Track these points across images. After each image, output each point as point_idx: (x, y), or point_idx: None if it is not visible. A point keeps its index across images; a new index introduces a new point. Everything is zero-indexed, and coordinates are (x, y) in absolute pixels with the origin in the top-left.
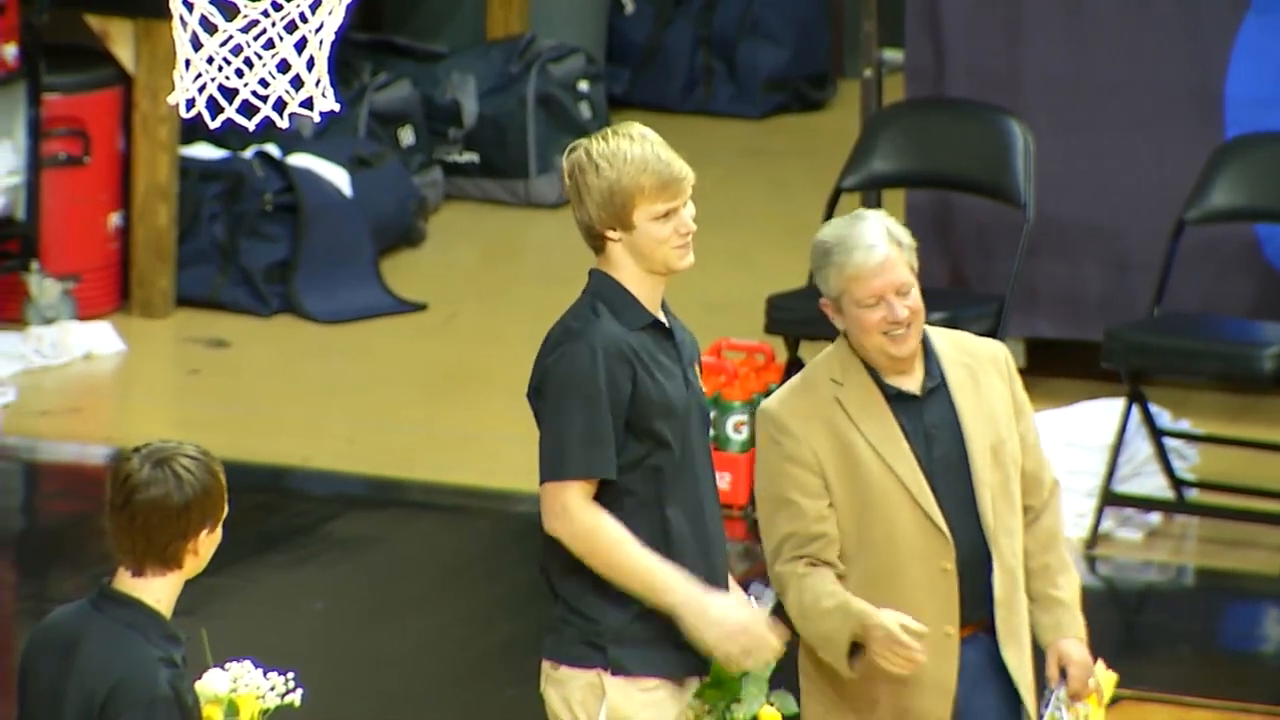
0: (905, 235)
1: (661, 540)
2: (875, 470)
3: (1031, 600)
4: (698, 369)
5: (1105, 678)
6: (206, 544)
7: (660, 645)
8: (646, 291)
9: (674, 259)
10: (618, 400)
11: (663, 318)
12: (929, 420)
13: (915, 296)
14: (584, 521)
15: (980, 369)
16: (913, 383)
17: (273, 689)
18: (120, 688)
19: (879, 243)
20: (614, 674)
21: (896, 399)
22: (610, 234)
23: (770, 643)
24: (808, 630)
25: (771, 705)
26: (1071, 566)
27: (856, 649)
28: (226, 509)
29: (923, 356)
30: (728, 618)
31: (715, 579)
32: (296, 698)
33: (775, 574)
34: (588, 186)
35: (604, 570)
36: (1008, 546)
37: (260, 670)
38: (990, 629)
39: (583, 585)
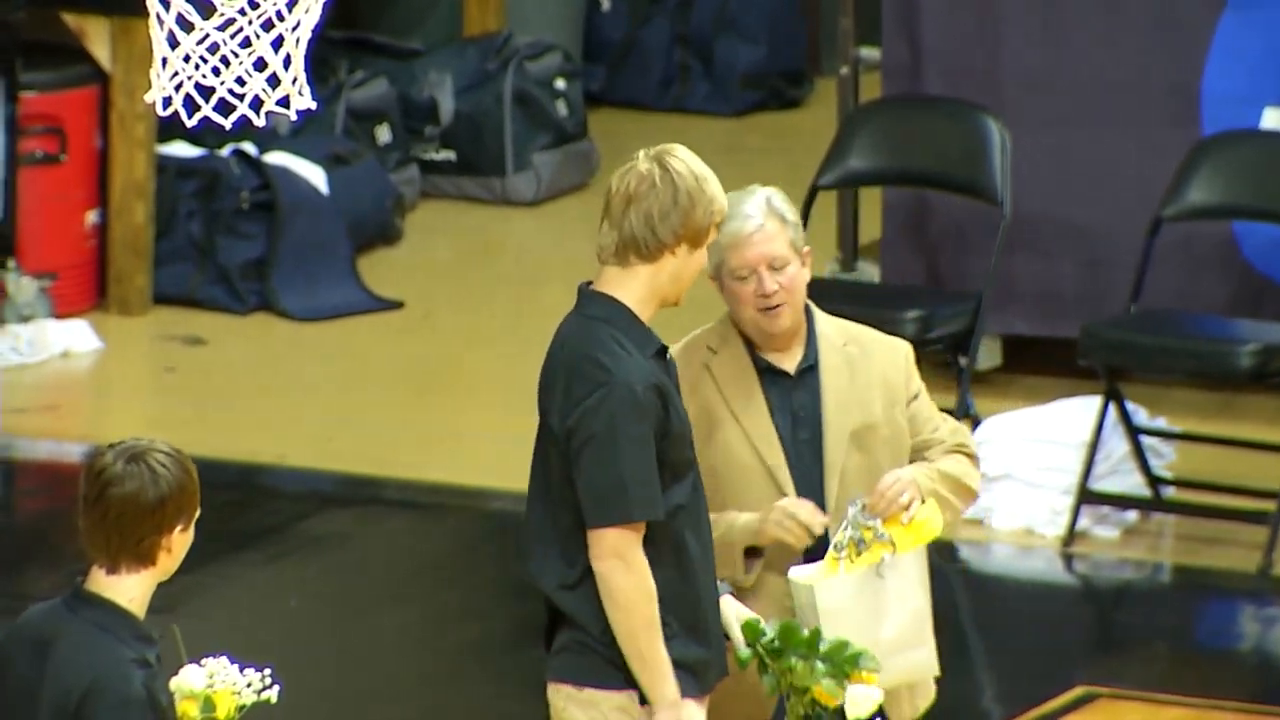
0: (790, 212)
1: (675, 566)
2: (735, 439)
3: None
4: None
5: (925, 514)
6: (180, 542)
7: (684, 668)
8: (649, 318)
9: (684, 294)
10: (656, 438)
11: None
12: (797, 401)
13: (791, 274)
14: (641, 580)
15: (864, 356)
16: (789, 361)
17: (249, 685)
18: (94, 690)
19: (755, 214)
20: (643, 702)
21: (767, 373)
22: (677, 249)
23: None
24: None
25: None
26: (960, 476)
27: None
28: (199, 508)
29: (805, 337)
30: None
31: (713, 595)
32: (273, 694)
33: None
34: (686, 194)
35: (622, 628)
36: None
37: (237, 666)
38: None
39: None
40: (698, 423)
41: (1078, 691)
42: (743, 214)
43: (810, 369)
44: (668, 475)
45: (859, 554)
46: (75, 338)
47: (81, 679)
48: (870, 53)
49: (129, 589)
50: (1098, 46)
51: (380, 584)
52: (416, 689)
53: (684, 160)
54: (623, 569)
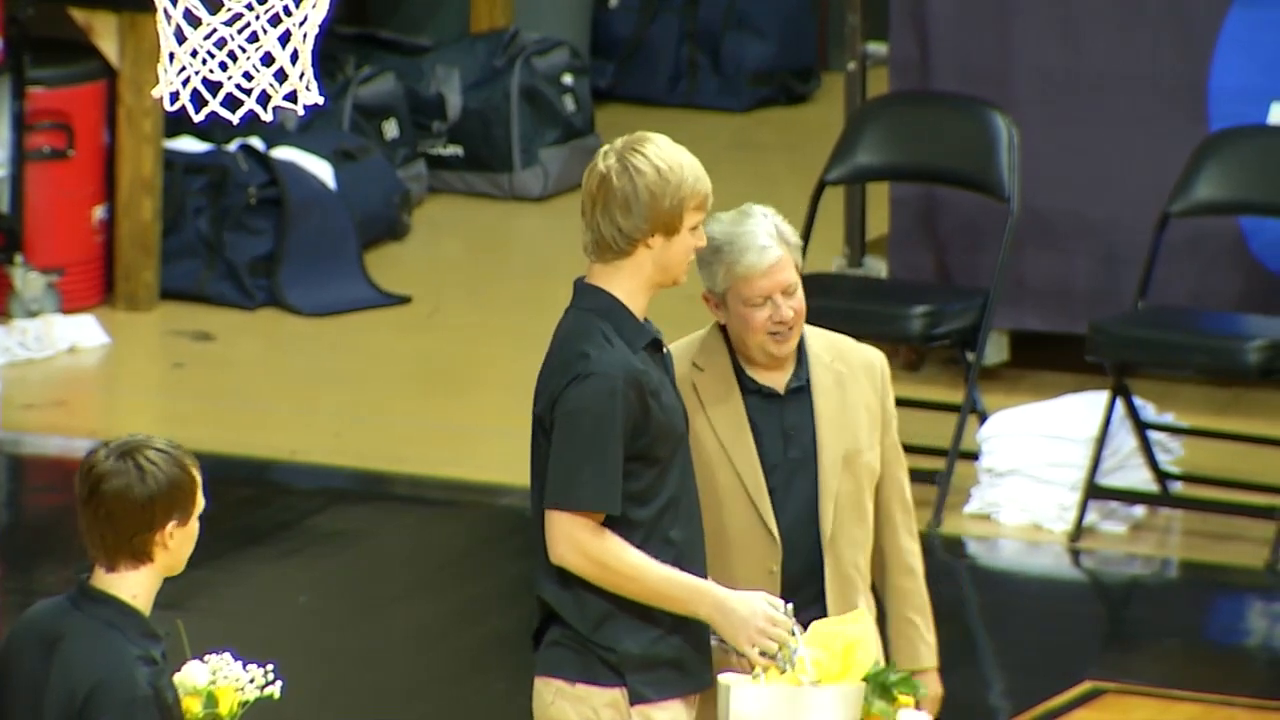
0: (793, 235)
1: (672, 564)
2: (716, 461)
3: (886, 617)
4: None
5: (855, 633)
6: (178, 537)
7: (674, 666)
8: (642, 307)
9: (684, 273)
10: (631, 432)
11: (658, 333)
12: (788, 421)
13: (800, 297)
14: (596, 549)
15: (851, 376)
16: (779, 380)
17: (252, 681)
18: (100, 688)
19: (771, 244)
20: (633, 703)
21: (754, 394)
22: (651, 241)
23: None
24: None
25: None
26: (919, 589)
27: None
28: (200, 503)
29: (795, 356)
30: (753, 614)
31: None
32: (276, 689)
33: None
34: (645, 189)
35: (626, 593)
36: (849, 557)
37: (239, 662)
38: None
39: (596, 613)
40: None
41: (1085, 687)
42: (758, 245)
43: (801, 388)
44: (652, 470)
45: (781, 671)
46: (83, 333)
47: (88, 677)
48: (878, 48)
49: (131, 585)
50: (1106, 42)
51: (392, 580)
52: (429, 686)
53: (646, 155)
54: (577, 551)
